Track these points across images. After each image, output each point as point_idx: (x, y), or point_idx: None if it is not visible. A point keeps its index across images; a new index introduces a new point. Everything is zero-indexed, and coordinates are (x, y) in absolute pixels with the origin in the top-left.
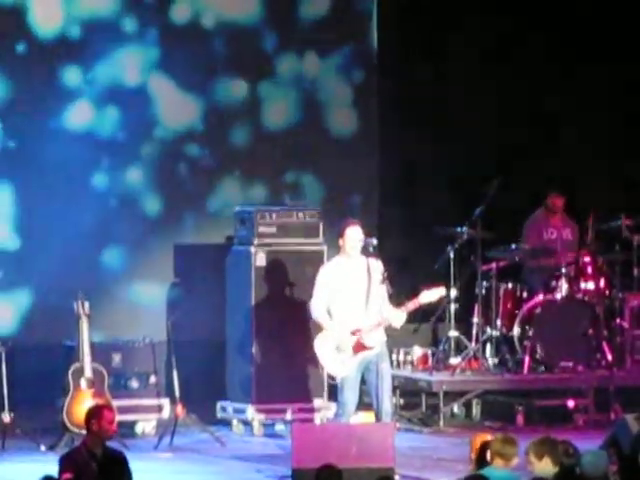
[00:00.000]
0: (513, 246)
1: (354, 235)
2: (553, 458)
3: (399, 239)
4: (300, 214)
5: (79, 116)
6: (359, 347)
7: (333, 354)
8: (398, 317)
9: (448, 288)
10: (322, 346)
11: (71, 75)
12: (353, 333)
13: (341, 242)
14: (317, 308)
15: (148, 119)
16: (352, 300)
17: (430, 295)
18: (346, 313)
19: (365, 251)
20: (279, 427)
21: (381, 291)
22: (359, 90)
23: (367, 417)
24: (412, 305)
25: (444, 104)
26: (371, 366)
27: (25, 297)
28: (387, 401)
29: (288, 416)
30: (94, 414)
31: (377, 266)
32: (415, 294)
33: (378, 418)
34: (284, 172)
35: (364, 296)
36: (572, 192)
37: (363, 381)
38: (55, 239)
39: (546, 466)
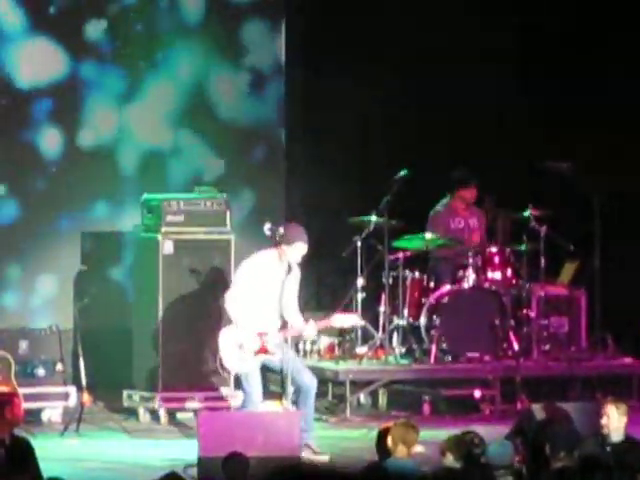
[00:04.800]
0: (420, 235)
1: (304, 250)
2: (455, 454)
3: (306, 226)
4: (207, 203)
5: None
6: (262, 350)
7: (234, 350)
8: (310, 329)
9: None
10: (226, 340)
11: None
12: (259, 335)
13: (285, 247)
14: (233, 301)
15: None
16: (267, 302)
17: (342, 320)
18: (258, 313)
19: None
20: (186, 415)
21: (292, 293)
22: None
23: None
24: (323, 324)
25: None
26: (274, 357)
27: None
28: (307, 375)
29: (194, 405)
30: (6, 402)
31: (296, 272)
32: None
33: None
34: None
35: (278, 300)
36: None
37: (268, 370)
38: None
39: (450, 461)
